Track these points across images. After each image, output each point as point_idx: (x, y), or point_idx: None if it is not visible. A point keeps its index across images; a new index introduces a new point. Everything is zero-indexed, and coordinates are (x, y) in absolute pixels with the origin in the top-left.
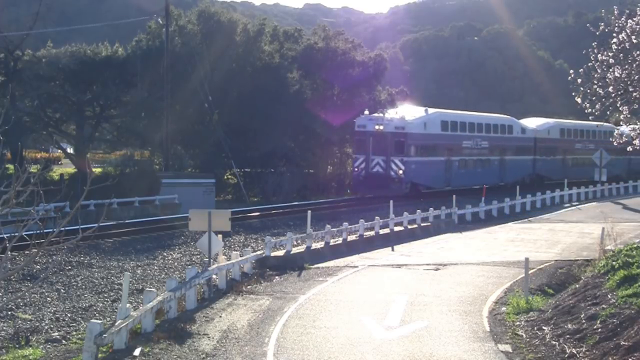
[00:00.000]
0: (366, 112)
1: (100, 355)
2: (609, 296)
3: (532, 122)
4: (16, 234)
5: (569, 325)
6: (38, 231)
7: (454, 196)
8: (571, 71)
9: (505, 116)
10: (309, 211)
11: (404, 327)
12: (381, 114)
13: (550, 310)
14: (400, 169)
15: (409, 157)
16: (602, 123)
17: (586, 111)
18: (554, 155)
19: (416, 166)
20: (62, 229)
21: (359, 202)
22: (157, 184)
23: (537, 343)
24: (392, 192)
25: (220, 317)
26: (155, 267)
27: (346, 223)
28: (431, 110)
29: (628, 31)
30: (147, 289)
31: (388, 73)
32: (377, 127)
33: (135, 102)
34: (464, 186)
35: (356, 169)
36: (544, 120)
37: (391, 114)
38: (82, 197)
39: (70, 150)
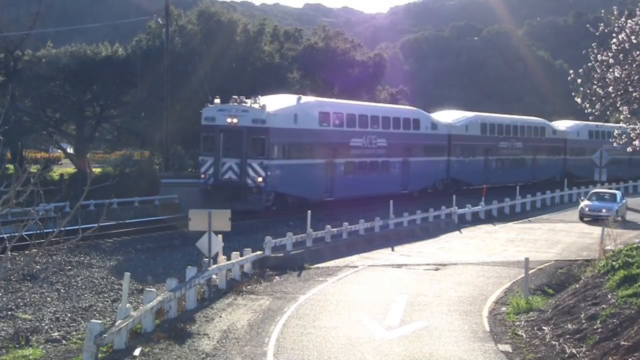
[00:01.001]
0: (217, 100)
1: (100, 355)
2: (609, 296)
3: (446, 116)
4: (16, 234)
5: (569, 325)
6: (38, 231)
7: (454, 196)
8: (571, 71)
9: (409, 108)
10: (309, 211)
11: (404, 327)
12: (236, 103)
13: (550, 310)
14: (260, 175)
15: (272, 159)
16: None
17: (586, 111)
18: (472, 155)
19: (282, 172)
20: (62, 229)
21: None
22: (157, 184)
23: (537, 343)
24: (250, 205)
25: (220, 317)
26: (155, 267)
27: (346, 223)
28: (305, 99)
29: (628, 31)
30: (147, 289)
31: (388, 73)
32: (229, 119)
33: (135, 102)
34: (353, 197)
35: (203, 176)
36: (460, 115)
37: (251, 102)
38: (82, 197)
39: (70, 150)
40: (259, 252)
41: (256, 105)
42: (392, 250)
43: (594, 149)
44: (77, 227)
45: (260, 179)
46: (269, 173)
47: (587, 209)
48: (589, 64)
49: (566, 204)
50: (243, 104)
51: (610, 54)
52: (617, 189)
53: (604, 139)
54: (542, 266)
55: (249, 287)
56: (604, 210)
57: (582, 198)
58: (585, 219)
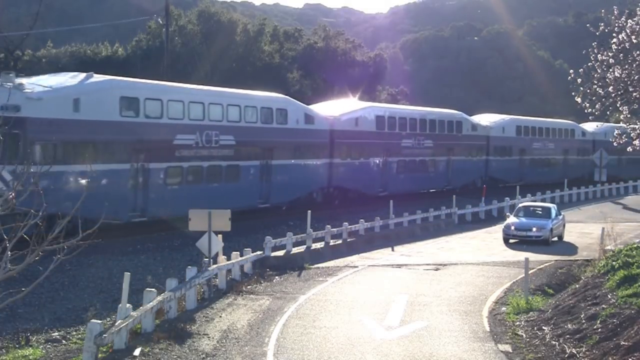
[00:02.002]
0: None
1: (100, 355)
2: (609, 296)
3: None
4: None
5: (569, 325)
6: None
7: (454, 196)
8: (571, 71)
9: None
10: (309, 211)
11: (404, 327)
12: None
13: (550, 310)
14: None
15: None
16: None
17: (586, 111)
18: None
19: (53, 181)
20: (62, 229)
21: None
22: None
23: (537, 343)
24: None
25: (220, 317)
26: (155, 267)
27: (346, 223)
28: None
29: (628, 31)
30: (147, 289)
31: (388, 73)
32: None
33: None
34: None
35: None
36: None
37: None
38: (83, 197)
39: None
40: (259, 252)
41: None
42: (392, 250)
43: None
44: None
45: None
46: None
47: (513, 227)
48: (589, 64)
49: (566, 204)
50: None
51: (610, 54)
52: (616, 188)
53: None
54: (542, 266)
55: (249, 287)
56: (534, 229)
57: (507, 213)
58: (511, 240)
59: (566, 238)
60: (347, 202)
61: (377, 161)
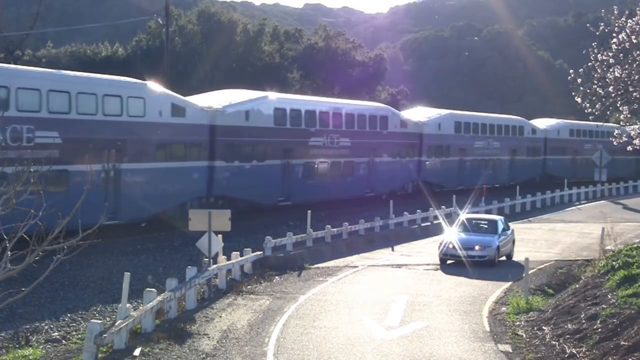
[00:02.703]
0: None
1: (100, 355)
2: (609, 296)
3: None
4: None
5: (569, 325)
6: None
7: (454, 196)
8: (571, 71)
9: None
10: (309, 211)
11: (404, 327)
12: None
13: (550, 310)
14: None
15: None
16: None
17: (586, 111)
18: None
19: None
20: (62, 229)
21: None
22: None
23: (537, 343)
24: None
25: (220, 317)
26: (155, 267)
27: (346, 223)
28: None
29: (628, 31)
30: (147, 289)
31: (388, 73)
32: None
33: None
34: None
35: None
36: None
37: None
38: (83, 197)
39: None
40: (259, 252)
41: None
42: (392, 250)
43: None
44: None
45: None
46: None
47: (451, 245)
48: (589, 64)
49: (566, 204)
50: None
51: (610, 54)
52: (616, 188)
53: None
54: (542, 266)
55: (249, 287)
56: (477, 248)
57: (445, 226)
58: (449, 261)
59: (566, 238)
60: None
61: (277, 164)
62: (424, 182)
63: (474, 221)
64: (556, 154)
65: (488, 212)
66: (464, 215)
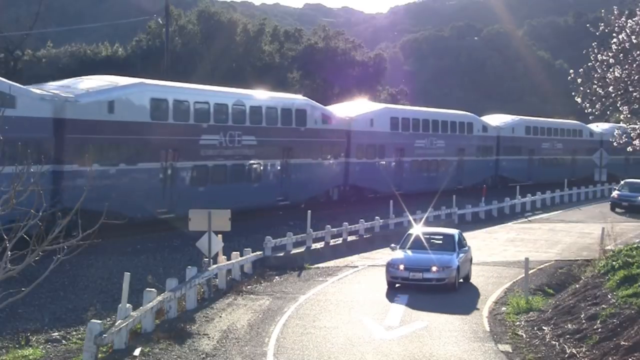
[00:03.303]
0: None
1: (100, 355)
2: (609, 296)
3: (598, 126)
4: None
5: (569, 325)
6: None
7: (454, 196)
8: (571, 71)
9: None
10: (309, 211)
11: (404, 327)
12: None
13: (550, 310)
14: None
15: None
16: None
17: (586, 111)
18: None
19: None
20: (62, 229)
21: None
22: None
23: (537, 343)
24: None
25: (220, 317)
26: (155, 267)
27: (346, 223)
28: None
29: (628, 31)
30: (147, 289)
31: (388, 73)
32: None
33: None
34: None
35: None
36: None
37: None
38: (83, 197)
39: None
40: (259, 252)
41: None
42: (392, 250)
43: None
44: (78, 226)
45: None
46: None
47: (402, 266)
48: (589, 64)
49: (566, 204)
50: None
51: (610, 54)
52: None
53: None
54: (542, 266)
55: (249, 287)
56: (434, 269)
57: (392, 244)
58: (397, 284)
59: (566, 238)
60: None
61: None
62: (353, 186)
63: (426, 236)
64: (511, 154)
65: (488, 212)
66: (416, 229)
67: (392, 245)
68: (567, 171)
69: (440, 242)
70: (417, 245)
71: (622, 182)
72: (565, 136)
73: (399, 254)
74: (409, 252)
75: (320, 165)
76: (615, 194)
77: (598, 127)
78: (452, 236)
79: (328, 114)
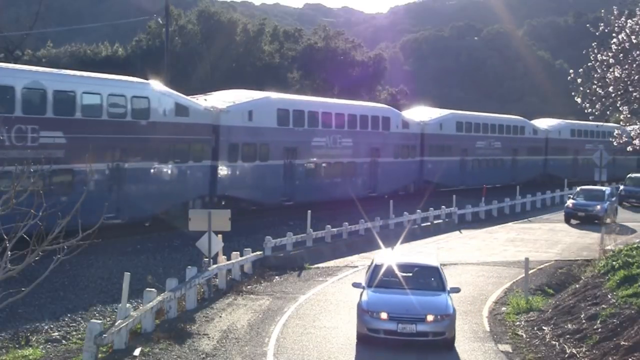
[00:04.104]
0: None
1: (100, 355)
2: (609, 296)
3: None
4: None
5: (569, 325)
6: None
7: (454, 196)
8: (571, 71)
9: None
10: (309, 211)
11: None
12: None
13: (550, 310)
14: None
15: None
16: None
17: (586, 111)
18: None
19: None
20: (62, 229)
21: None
22: None
23: (537, 343)
24: None
25: (220, 317)
26: (155, 267)
27: (346, 223)
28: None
29: (628, 31)
30: (147, 289)
31: (388, 73)
32: None
33: None
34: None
35: None
36: None
37: None
38: (83, 197)
39: None
40: (259, 252)
41: None
42: (392, 250)
43: None
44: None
45: None
46: None
47: (384, 314)
48: (589, 64)
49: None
50: None
51: (610, 54)
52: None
53: None
54: (542, 266)
55: (249, 287)
56: (430, 319)
57: (355, 282)
58: (378, 339)
59: (566, 238)
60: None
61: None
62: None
63: (403, 265)
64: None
65: (488, 212)
66: (384, 257)
67: (355, 282)
68: (507, 174)
69: (422, 279)
70: (390, 281)
71: (577, 189)
72: (505, 134)
73: (372, 295)
74: (382, 294)
75: (176, 171)
76: (569, 202)
77: (543, 123)
78: (436, 269)
79: (196, 108)
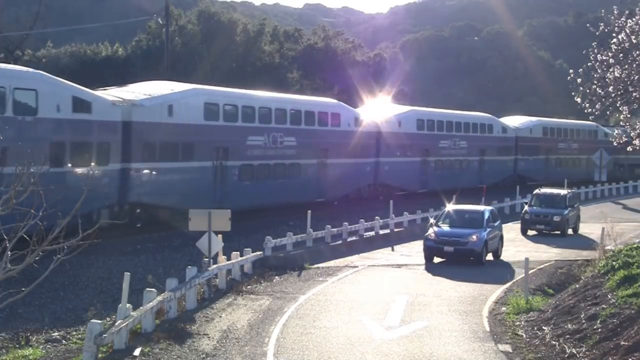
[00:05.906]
0: None
1: (100, 355)
2: (609, 296)
3: None
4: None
5: (569, 325)
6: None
7: (454, 196)
8: (571, 71)
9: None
10: (309, 211)
11: (404, 327)
12: None
13: (550, 310)
14: None
15: None
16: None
17: (586, 111)
18: None
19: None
20: (62, 229)
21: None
22: None
23: (537, 343)
24: None
25: (220, 317)
26: (155, 267)
27: (346, 223)
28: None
29: (628, 31)
30: (147, 289)
31: (388, 73)
32: None
33: None
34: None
35: None
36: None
37: None
38: (83, 197)
39: None
40: (259, 252)
41: None
42: (392, 250)
43: None
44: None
45: None
46: None
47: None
48: (589, 64)
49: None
50: None
51: (610, 54)
52: (616, 188)
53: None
54: (542, 266)
55: (249, 287)
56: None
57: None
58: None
59: (565, 239)
60: None
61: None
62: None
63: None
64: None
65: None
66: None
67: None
68: (474, 176)
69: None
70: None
71: (533, 193)
72: (470, 132)
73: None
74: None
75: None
76: (526, 209)
77: (513, 121)
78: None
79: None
